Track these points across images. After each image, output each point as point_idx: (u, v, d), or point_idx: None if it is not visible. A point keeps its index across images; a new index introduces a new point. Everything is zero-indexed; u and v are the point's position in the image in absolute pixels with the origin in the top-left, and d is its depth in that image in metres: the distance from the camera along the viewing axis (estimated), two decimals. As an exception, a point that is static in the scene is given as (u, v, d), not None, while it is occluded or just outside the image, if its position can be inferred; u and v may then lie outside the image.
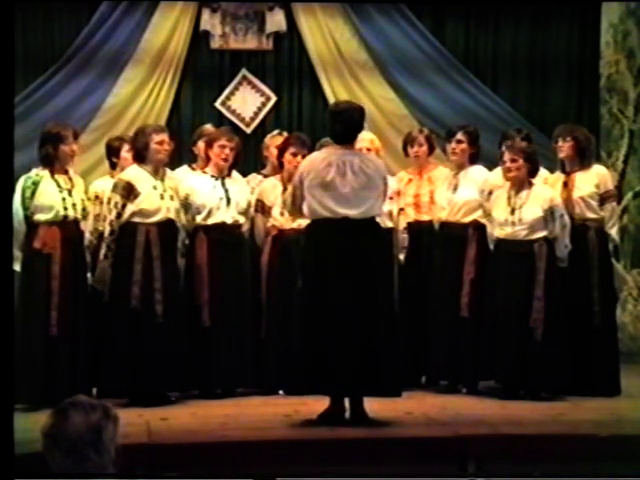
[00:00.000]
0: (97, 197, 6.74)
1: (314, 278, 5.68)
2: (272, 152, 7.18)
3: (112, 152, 6.98)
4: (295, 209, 5.92)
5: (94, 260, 6.56)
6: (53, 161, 6.37)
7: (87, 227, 6.55)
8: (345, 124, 5.76)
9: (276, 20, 8.66)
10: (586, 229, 6.79)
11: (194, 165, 7.12)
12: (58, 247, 6.30)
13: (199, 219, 6.66)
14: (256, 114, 8.75)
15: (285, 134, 7.35)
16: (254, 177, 7.24)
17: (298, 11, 8.67)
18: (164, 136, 6.49)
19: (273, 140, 7.26)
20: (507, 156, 6.61)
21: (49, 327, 6.24)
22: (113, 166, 6.98)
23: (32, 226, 6.31)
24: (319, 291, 5.63)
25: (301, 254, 5.95)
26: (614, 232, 6.91)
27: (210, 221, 6.66)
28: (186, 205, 6.62)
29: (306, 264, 5.79)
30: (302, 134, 7.32)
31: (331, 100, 8.40)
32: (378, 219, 5.87)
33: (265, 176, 7.17)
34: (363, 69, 8.70)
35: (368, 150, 6.56)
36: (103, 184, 6.85)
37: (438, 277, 6.96)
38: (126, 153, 6.85)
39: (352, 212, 5.63)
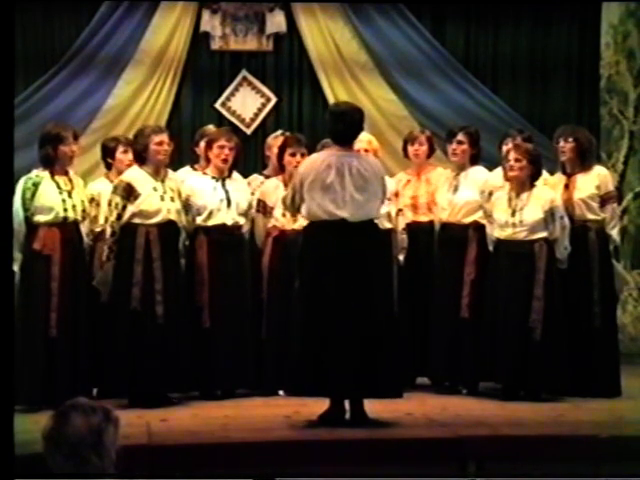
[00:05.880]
0: (93, 199, 6.74)
1: (312, 279, 5.68)
2: (274, 152, 7.17)
3: (107, 153, 6.99)
4: (294, 209, 5.94)
5: (90, 262, 6.59)
6: (53, 162, 6.38)
7: (83, 229, 6.55)
8: (347, 124, 5.77)
9: (276, 21, 8.66)
10: (586, 230, 6.79)
11: (196, 166, 7.12)
12: (58, 248, 6.30)
13: (199, 220, 6.66)
14: (256, 115, 8.75)
15: (288, 135, 7.35)
16: (255, 178, 7.23)
17: (298, 12, 8.67)
18: (163, 137, 6.49)
19: (276, 140, 7.23)
20: (512, 155, 6.61)
21: (49, 328, 6.25)
22: (109, 167, 6.99)
23: (32, 227, 6.32)
24: (317, 292, 5.64)
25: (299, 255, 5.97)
26: (615, 233, 6.91)
27: (210, 222, 6.66)
28: (186, 206, 6.62)
29: (304, 265, 5.79)
30: (298, 134, 7.34)
31: (331, 101, 8.40)
32: (377, 221, 5.86)
33: (267, 177, 7.16)
34: (363, 70, 8.71)
35: (366, 151, 6.57)
36: (99, 186, 6.87)
37: (439, 278, 6.96)
38: (121, 155, 6.85)
39: (349, 215, 5.64)
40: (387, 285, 6.03)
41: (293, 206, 5.88)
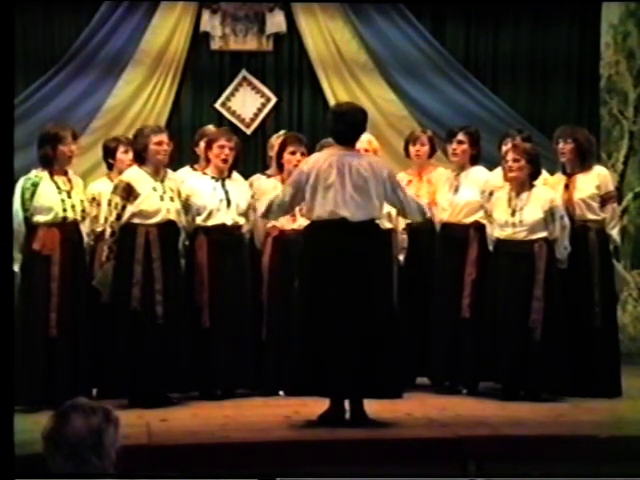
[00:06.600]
0: (94, 199, 6.76)
1: (312, 279, 5.68)
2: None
3: (108, 153, 6.99)
4: (282, 210, 5.88)
5: (91, 262, 6.60)
6: (52, 162, 6.38)
7: (84, 229, 6.55)
8: (348, 124, 5.77)
9: (276, 21, 8.66)
10: (587, 230, 6.79)
11: (196, 166, 7.12)
12: (57, 248, 6.30)
13: (199, 220, 6.66)
14: (256, 115, 8.75)
15: (289, 134, 7.33)
16: (258, 178, 7.20)
17: (298, 12, 8.67)
18: (162, 137, 6.49)
19: (278, 140, 7.22)
20: (510, 156, 6.61)
21: (49, 328, 6.25)
22: (110, 167, 7.00)
23: (31, 227, 6.32)
24: (317, 292, 5.64)
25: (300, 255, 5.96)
26: (615, 233, 6.92)
27: (210, 222, 6.66)
28: (186, 206, 6.62)
29: (305, 265, 5.79)
30: (298, 133, 7.33)
31: (331, 101, 8.41)
32: (377, 221, 5.86)
33: (269, 176, 7.15)
34: (363, 70, 8.71)
35: (366, 151, 6.56)
36: (100, 186, 6.88)
37: (439, 278, 6.96)
38: (122, 154, 6.86)
39: (350, 215, 5.63)
40: (387, 285, 6.02)
41: (283, 206, 5.82)
